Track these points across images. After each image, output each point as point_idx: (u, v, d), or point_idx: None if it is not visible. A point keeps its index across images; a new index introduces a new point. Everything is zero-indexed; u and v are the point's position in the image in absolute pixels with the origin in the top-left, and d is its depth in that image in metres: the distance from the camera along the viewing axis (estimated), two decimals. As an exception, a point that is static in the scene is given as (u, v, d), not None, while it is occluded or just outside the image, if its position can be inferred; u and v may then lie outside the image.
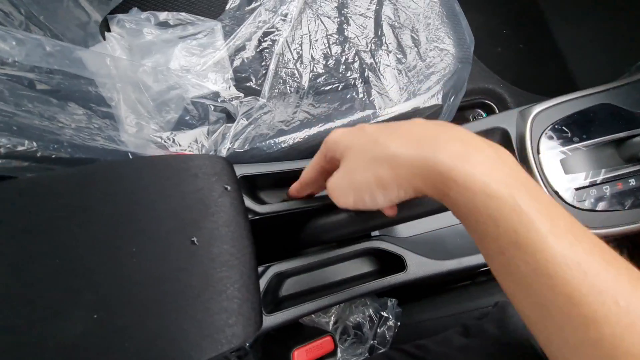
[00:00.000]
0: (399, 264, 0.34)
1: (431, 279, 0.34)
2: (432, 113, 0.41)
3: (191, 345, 0.20)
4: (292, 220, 0.33)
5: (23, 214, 0.20)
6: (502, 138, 0.41)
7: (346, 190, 0.22)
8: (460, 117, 0.64)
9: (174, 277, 0.21)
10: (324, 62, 0.44)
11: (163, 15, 0.46)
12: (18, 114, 0.24)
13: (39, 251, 0.20)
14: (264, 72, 0.45)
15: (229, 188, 0.24)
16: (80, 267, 0.20)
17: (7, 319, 0.18)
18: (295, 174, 0.36)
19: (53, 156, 0.26)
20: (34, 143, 0.25)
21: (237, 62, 0.45)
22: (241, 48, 0.45)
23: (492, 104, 0.63)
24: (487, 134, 0.41)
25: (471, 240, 0.40)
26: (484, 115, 0.63)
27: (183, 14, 0.47)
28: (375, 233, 0.38)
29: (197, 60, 0.44)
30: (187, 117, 0.41)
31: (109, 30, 0.48)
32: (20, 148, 0.24)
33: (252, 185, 0.35)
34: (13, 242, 0.20)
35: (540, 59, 0.70)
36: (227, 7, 0.48)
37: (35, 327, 0.18)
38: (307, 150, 0.38)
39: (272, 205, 0.31)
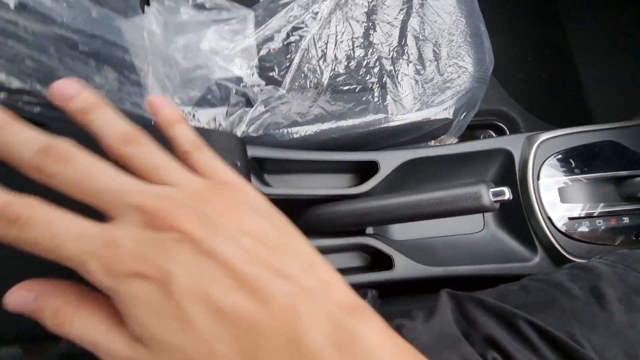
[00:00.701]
0: (387, 263, 0.36)
1: (415, 282, 0.36)
2: (442, 126, 0.43)
3: None
4: (293, 206, 0.34)
5: None
6: (506, 160, 0.42)
7: None
8: (471, 135, 0.65)
9: None
10: (345, 63, 0.46)
11: (201, -2, 0.49)
12: (60, 70, 0.26)
13: None
14: (287, 64, 0.47)
15: (238, 164, 0.26)
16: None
17: None
18: (301, 164, 0.38)
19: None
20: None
21: (263, 52, 0.47)
22: (269, 39, 0.47)
23: (504, 127, 0.64)
24: (491, 154, 0.43)
25: (461, 253, 0.42)
26: (495, 136, 0.65)
27: (220, -2, 0.49)
28: (370, 231, 0.40)
29: (227, 45, 0.46)
30: (210, 97, 0.44)
31: (148, 4, 0.50)
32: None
33: (260, 168, 0.37)
34: None
35: (559, 89, 0.71)
36: (262, -2, 0.50)
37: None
38: (317, 143, 0.39)
39: (276, 189, 0.33)
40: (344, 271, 0.38)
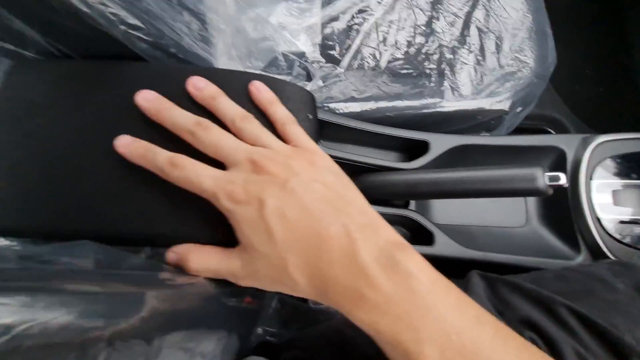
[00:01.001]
0: (427, 239, 0.37)
1: (452, 262, 0.37)
2: (495, 118, 0.43)
3: None
4: (346, 171, 0.36)
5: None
6: (557, 158, 0.42)
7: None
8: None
9: None
10: (405, 49, 0.47)
11: (274, -24, 0.52)
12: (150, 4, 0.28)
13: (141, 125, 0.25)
14: (348, 45, 0.48)
15: (310, 117, 0.28)
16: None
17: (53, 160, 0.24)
18: (354, 134, 0.40)
19: (164, 44, 0.30)
20: (153, 29, 0.29)
21: (327, 30, 0.49)
22: (334, 19, 0.49)
23: (553, 133, 0.63)
24: (542, 150, 0.42)
25: (500, 244, 0.42)
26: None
27: (291, -22, 0.52)
28: (412, 207, 0.41)
29: (294, 21, 0.49)
30: (273, 67, 0.46)
31: (223, -21, 0.54)
32: (142, 31, 0.28)
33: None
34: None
35: (616, 105, 0.68)
36: (330, -20, 0.52)
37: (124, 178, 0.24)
38: (371, 119, 0.41)
39: (333, 151, 0.35)
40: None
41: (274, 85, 0.28)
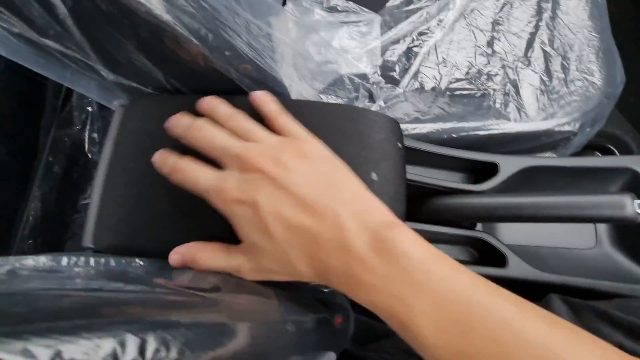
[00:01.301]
0: (498, 261, 0.37)
1: (524, 284, 0.37)
2: (562, 139, 0.43)
3: None
4: (415, 192, 0.37)
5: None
6: (631, 179, 0.41)
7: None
8: (578, 154, 0.62)
9: None
10: (466, 69, 0.48)
11: (335, 1, 0.54)
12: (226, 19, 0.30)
13: None
14: (408, 66, 0.50)
15: (400, 145, 0.29)
16: None
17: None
18: (421, 155, 0.40)
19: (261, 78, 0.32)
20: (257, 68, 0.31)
21: (387, 53, 0.51)
22: (394, 41, 0.51)
23: (614, 150, 0.61)
24: (614, 172, 0.42)
25: (570, 266, 0.41)
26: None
27: (350, 3, 0.54)
28: (479, 227, 0.41)
29: (355, 44, 0.51)
30: (337, 88, 0.48)
31: (284, 4, 0.57)
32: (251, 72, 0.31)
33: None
34: None
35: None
36: (387, 4, 0.54)
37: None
38: (437, 141, 0.42)
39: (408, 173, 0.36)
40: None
41: (361, 115, 0.29)
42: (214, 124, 0.25)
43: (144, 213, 0.26)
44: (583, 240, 0.43)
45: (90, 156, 0.64)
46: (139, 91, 0.30)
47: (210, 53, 0.26)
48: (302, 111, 0.28)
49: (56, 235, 0.61)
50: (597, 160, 0.41)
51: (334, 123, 0.28)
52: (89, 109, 0.64)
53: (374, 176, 0.27)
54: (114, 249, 0.27)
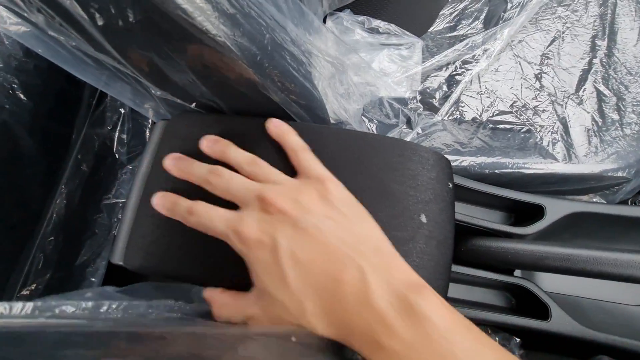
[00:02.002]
0: (539, 312, 0.35)
1: (572, 341, 0.34)
2: (615, 184, 0.40)
3: None
4: (458, 232, 0.35)
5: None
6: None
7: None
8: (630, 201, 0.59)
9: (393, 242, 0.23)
10: (510, 102, 0.46)
11: (376, 22, 0.53)
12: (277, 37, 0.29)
13: None
14: (448, 94, 0.48)
15: (450, 185, 0.27)
16: None
17: None
18: (465, 191, 0.39)
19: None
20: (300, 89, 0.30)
21: (428, 79, 0.49)
22: (437, 68, 0.50)
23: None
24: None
25: (615, 323, 0.38)
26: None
27: (393, 25, 0.53)
28: (518, 273, 0.39)
29: (395, 68, 0.50)
30: (372, 110, 0.47)
31: (324, 21, 0.56)
32: (295, 94, 0.30)
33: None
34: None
35: None
36: (430, 29, 0.53)
37: None
38: (478, 175, 0.40)
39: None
40: (486, 306, 0.37)
41: (412, 151, 0.27)
42: (227, 170, 0.25)
43: (177, 237, 0.25)
44: (631, 296, 0.39)
45: (117, 156, 0.64)
46: (182, 107, 0.29)
47: (257, 72, 0.25)
48: (347, 141, 0.27)
49: (77, 234, 0.61)
50: (651, 212, 0.38)
51: (383, 157, 0.26)
52: (122, 110, 0.65)
53: (424, 218, 0.25)
54: (143, 270, 0.26)
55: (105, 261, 0.58)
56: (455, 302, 0.36)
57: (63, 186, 0.61)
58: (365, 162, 0.26)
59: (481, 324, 0.34)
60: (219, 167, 0.25)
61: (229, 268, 0.24)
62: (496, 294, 0.38)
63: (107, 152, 0.64)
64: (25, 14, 0.20)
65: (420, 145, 0.28)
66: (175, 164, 0.26)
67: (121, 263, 0.26)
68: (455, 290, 0.37)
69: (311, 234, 0.21)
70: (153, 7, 0.18)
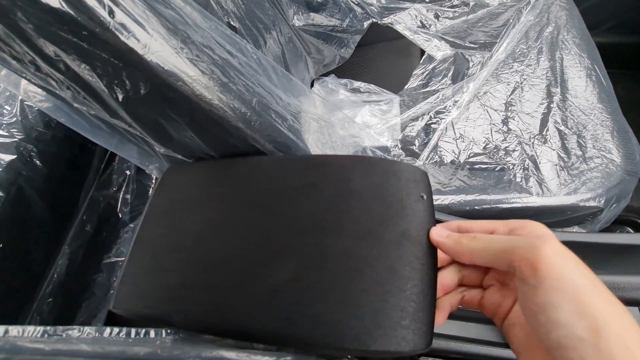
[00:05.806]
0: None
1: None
2: (589, 214, 0.42)
3: (364, 328, 0.22)
4: None
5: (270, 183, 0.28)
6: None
7: None
8: (606, 229, 0.60)
9: (367, 262, 0.24)
10: (483, 145, 0.50)
11: (358, 83, 0.60)
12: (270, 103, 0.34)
13: (269, 217, 0.26)
14: (427, 140, 0.53)
15: (424, 197, 0.26)
16: (293, 234, 0.25)
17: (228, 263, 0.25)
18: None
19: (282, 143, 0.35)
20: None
21: (407, 128, 0.54)
22: (414, 119, 0.55)
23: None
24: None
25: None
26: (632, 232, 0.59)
27: (372, 85, 0.60)
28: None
29: (377, 121, 0.55)
30: (359, 160, 0.51)
31: (312, 86, 0.63)
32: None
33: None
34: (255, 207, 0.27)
35: None
36: (406, 86, 0.60)
37: (250, 270, 0.25)
38: (459, 212, 0.42)
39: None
40: (482, 342, 0.37)
41: (384, 163, 0.28)
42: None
43: (169, 282, 0.26)
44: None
45: (120, 216, 0.66)
46: (183, 162, 0.33)
47: (247, 127, 0.29)
48: (324, 164, 0.28)
49: (75, 295, 0.61)
50: (628, 237, 0.40)
51: (356, 179, 0.27)
52: (127, 172, 0.69)
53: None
54: (128, 314, 0.27)
55: (102, 322, 0.58)
56: (449, 338, 0.36)
57: (66, 247, 0.63)
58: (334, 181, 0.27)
59: (476, 359, 0.34)
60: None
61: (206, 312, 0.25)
62: (491, 329, 0.38)
63: (111, 212, 0.66)
64: (57, 91, 0.24)
65: (395, 160, 0.28)
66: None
67: (119, 312, 0.27)
68: (449, 326, 0.37)
69: None
70: (160, 80, 0.23)
